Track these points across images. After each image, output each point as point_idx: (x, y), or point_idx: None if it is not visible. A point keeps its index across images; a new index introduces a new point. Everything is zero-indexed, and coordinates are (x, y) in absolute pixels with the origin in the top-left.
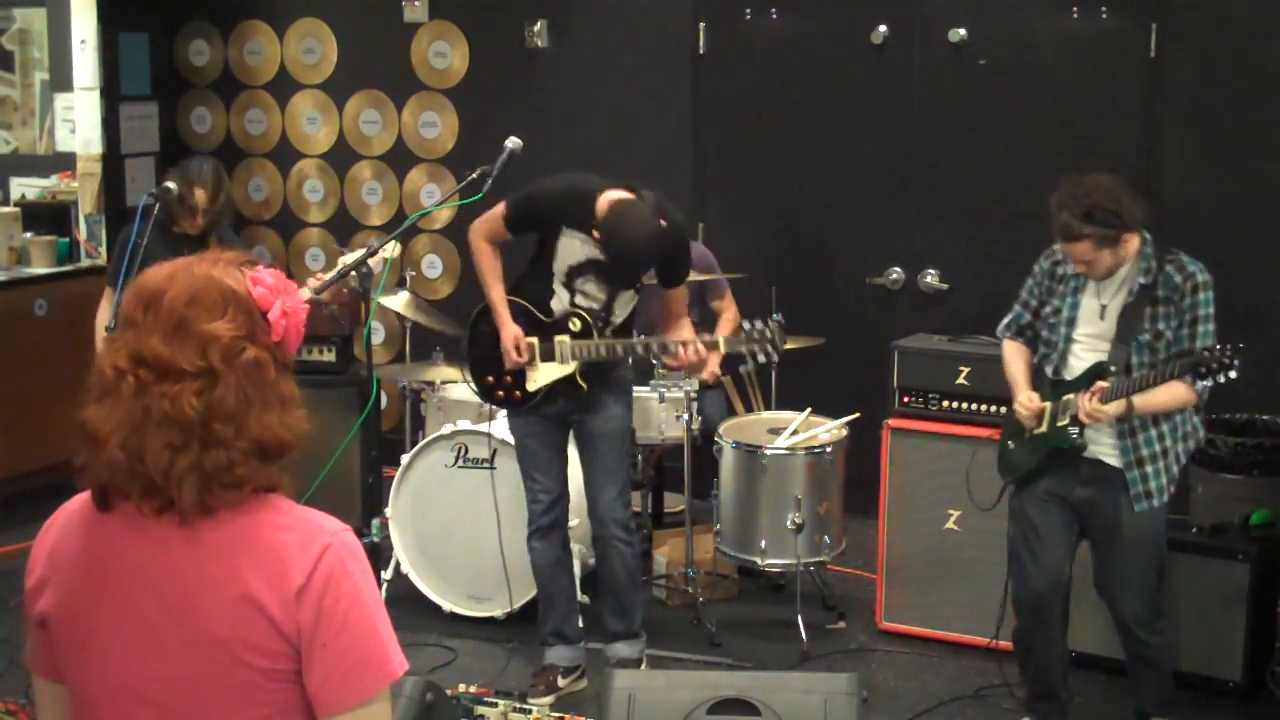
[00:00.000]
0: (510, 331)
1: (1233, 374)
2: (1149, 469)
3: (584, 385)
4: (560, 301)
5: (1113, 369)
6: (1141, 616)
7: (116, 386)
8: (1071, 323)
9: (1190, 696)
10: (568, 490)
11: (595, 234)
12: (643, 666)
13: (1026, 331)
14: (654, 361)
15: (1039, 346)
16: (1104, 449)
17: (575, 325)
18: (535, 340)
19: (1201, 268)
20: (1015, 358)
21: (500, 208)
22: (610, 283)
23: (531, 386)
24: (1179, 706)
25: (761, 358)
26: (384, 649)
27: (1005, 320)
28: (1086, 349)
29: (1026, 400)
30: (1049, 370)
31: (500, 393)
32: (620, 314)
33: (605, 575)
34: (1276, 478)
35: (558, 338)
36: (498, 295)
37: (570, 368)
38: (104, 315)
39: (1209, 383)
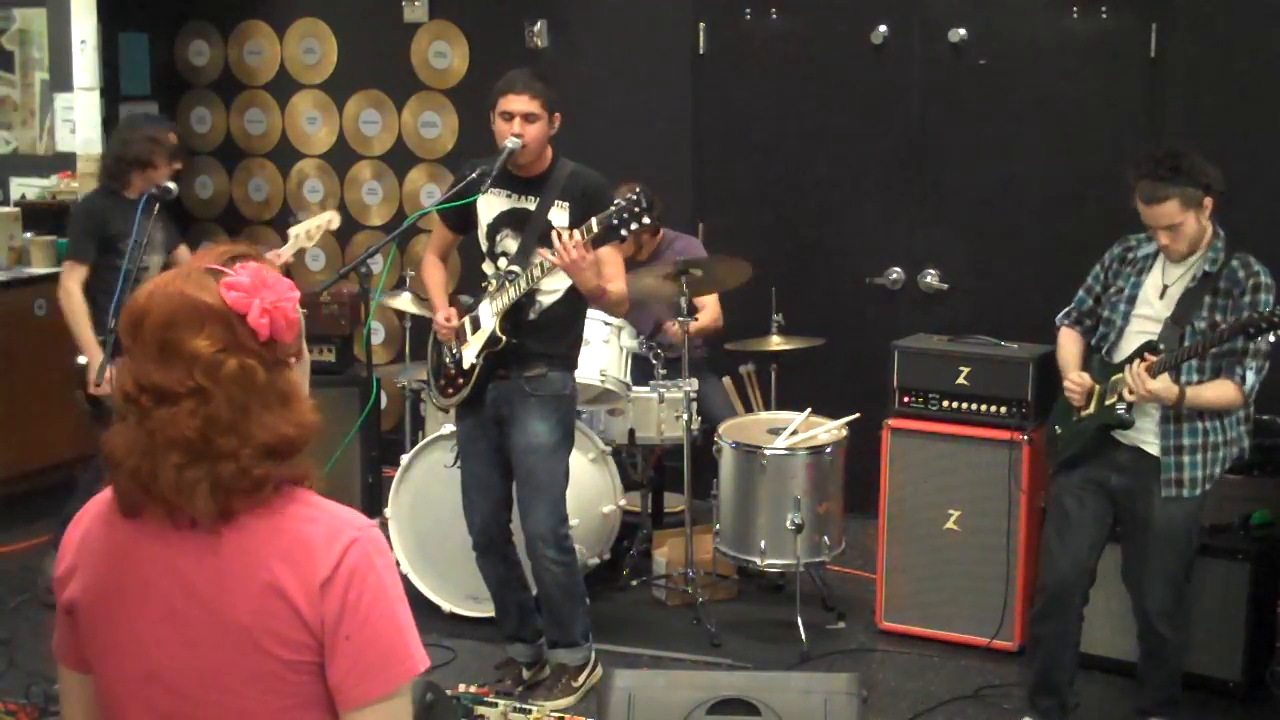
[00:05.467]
0: (441, 312)
1: None
2: (1186, 458)
3: (503, 337)
4: (490, 272)
5: (1162, 347)
6: (1163, 609)
7: (126, 412)
8: (1131, 301)
9: (1190, 696)
10: (506, 509)
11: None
12: (595, 668)
13: (1085, 320)
14: (652, 361)
15: (1099, 328)
16: (1146, 436)
17: (491, 286)
18: (466, 319)
19: (1267, 271)
20: (1069, 343)
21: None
22: (519, 227)
23: (466, 362)
24: (1180, 707)
25: (639, 223)
26: (406, 644)
27: (1066, 309)
28: (1140, 331)
29: (1076, 378)
30: (1104, 351)
31: (450, 390)
32: (542, 269)
33: (538, 586)
34: (1276, 478)
35: (481, 306)
36: (433, 291)
37: (492, 324)
38: (75, 292)
39: (1255, 380)
